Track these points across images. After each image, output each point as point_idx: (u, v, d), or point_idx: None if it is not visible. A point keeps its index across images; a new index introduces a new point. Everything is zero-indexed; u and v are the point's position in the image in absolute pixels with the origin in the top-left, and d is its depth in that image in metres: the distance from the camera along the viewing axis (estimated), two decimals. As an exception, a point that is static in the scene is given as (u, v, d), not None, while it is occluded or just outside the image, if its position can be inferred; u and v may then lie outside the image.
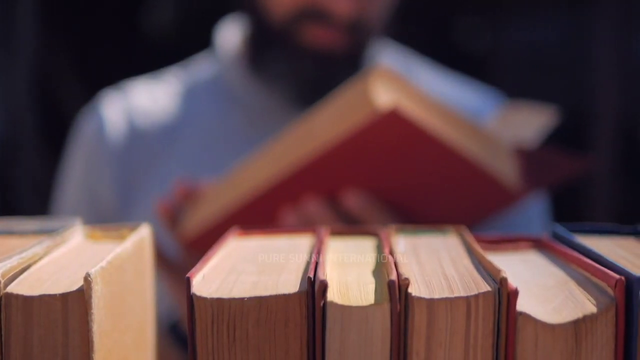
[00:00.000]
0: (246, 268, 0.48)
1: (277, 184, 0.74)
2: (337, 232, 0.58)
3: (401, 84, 0.72)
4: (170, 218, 0.85)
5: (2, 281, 0.43)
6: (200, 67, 1.16)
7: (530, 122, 0.81)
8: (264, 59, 1.06)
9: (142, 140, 1.09)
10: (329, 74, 1.03)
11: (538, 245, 0.55)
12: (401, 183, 0.76)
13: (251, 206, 0.76)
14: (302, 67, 1.02)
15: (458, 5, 2.66)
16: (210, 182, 0.85)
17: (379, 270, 0.47)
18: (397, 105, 0.67)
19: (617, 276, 0.43)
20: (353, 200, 0.76)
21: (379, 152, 0.72)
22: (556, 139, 0.86)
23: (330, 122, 0.72)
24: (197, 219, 0.81)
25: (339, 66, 1.03)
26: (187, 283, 0.43)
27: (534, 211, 1.06)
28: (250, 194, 0.76)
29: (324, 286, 0.42)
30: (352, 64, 1.05)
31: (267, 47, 1.05)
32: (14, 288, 0.43)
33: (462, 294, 0.42)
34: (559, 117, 0.82)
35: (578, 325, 0.42)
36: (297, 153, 0.73)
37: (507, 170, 0.75)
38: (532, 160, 0.79)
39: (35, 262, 0.48)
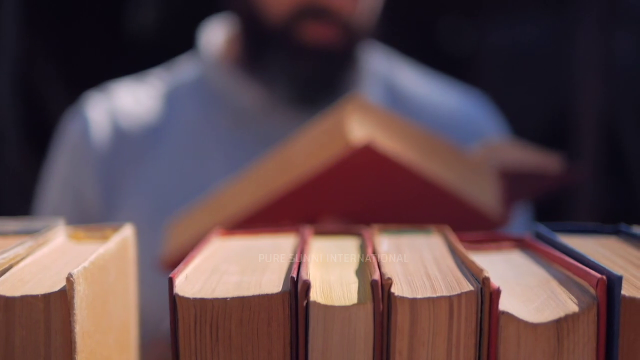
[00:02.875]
0: (229, 268, 0.48)
1: (256, 211, 0.75)
2: (320, 232, 0.58)
3: (378, 114, 0.73)
4: None
5: (-16, 282, 0.43)
6: (184, 69, 1.16)
7: (526, 159, 0.81)
8: (259, 58, 1.06)
9: (126, 141, 1.09)
10: (328, 72, 1.03)
11: (521, 244, 0.56)
12: (379, 211, 0.77)
13: None
14: (303, 65, 1.02)
15: (442, 7, 2.67)
16: (193, 205, 0.85)
17: (362, 270, 0.47)
18: (370, 140, 0.69)
19: (599, 275, 0.43)
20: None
21: (355, 182, 0.74)
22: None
23: (307, 152, 0.73)
24: (177, 241, 0.82)
25: (337, 64, 1.04)
26: (170, 283, 0.43)
27: (518, 223, 1.06)
28: (229, 219, 0.76)
29: (307, 286, 0.42)
30: (347, 63, 1.05)
31: (263, 46, 1.05)
32: (-4, 288, 0.43)
33: (445, 293, 0.42)
34: (563, 164, 0.82)
35: (560, 325, 0.42)
36: (276, 181, 0.74)
37: (488, 197, 0.76)
38: (518, 181, 0.79)
39: (17, 262, 0.47)
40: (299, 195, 0.73)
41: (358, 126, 0.70)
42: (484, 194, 0.76)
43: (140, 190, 1.06)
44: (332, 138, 0.71)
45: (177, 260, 0.81)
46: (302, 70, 1.03)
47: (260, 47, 1.06)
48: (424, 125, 0.79)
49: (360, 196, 0.75)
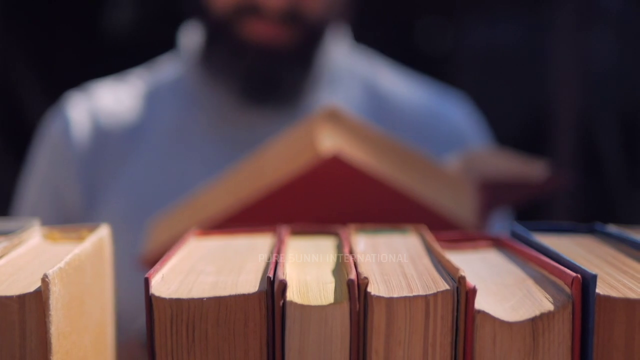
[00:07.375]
0: (205, 268, 0.48)
1: (230, 216, 0.75)
2: (297, 232, 0.58)
3: (352, 125, 0.74)
4: None
5: (-42, 283, 0.43)
6: (164, 69, 1.16)
7: (509, 168, 0.81)
8: (211, 54, 1.07)
9: (107, 141, 1.09)
10: (273, 68, 1.04)
11: (497, 244, 0.56)
12: (350, 221, 0.77)
13: None
14: (244, 60, 1.03)
15: (420, 8, 2.67)
16: (174, 204, 0.85)
17: (339, 269, 0.47)
18: (339, 150, 0.69)
19: (574, 274, 0.43)
20: None
21: (325, 192, 0.74)
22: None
23: (278, 160, 0.74)
24: (157, 240, 0.82)
25: (284, 61, 1.04)
26: (146, 283, 0.43)
27: (498, 229, 1.06)
28: (207, 221, 0.77)
29: (283, 286, 0.42)
30: (299, 60, 1.05)
31: (212, 42, 1.07)
32: (-30, 290, 0.43)
33: (421, 292, 0.42)
34: (547, 171, 0.81)
35: (535, 323, 0.42)
36: (248, 188, 0.75)
37: (463, 210, 0.76)
38: (500, 190, 0.79)
39: (-8, 263, 0.47)
40: (269, 203, 0.73)
41: (328, 136, 0.71)
42: (459, 206, 0.76)
43: (120, 189, 1.05)
44: (302, 147, 0.71)
45: (156, 259, 0.81)
46: (244, 65, 1.04)
47: (210, 43, 1.07)
48: (401, 135, 0.79)
49: (331, 206, 0.76)
